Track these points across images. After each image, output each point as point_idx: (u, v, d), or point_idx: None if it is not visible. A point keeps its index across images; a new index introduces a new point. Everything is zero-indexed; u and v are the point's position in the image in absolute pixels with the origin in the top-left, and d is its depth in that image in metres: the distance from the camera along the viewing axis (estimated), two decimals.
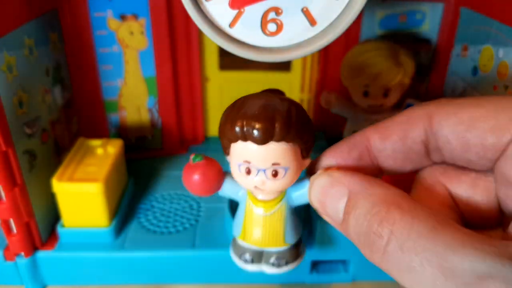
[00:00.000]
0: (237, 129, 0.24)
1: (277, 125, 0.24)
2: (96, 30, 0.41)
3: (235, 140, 0.25)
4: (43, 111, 0.36)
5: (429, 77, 0.45)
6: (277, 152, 0.24)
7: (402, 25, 0.43)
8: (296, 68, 0.47)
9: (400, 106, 0.40)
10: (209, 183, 0.27)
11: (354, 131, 0.40)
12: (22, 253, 0.33)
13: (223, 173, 0.28)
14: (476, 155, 0.18)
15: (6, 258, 0.34)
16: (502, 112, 0.18)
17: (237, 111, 0.24)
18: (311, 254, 0.35)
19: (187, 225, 0.37)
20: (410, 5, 0.42)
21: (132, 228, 0.37)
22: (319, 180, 0.20)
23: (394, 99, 0.38)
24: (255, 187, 0.26)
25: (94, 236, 0.35)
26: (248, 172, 0.26)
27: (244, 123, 0.24)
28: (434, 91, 0.45)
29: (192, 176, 0.27)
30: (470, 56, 0.39)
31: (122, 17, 0.41)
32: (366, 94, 0.38)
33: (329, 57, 0.45)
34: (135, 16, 0.41)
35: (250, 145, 0.24)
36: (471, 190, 0.20)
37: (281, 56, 0.27)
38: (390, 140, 0.20)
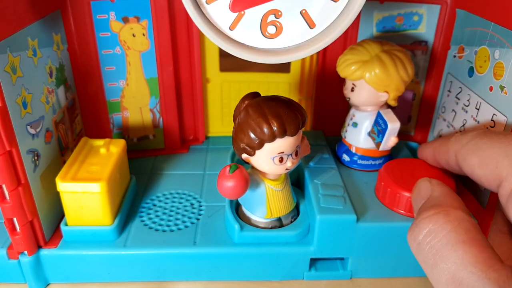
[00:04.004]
0: (276, 130, 0.30)
1: (300, 117, 0.31)
2: (99, 31, 0.41)
3: (273, 140, 0.30)
4: (47, 111, 0.36)
5: (426, 77, 0.46)
6: (298, 136, 0.32)
7: (399, 26, 0.43)
8: (295, 69, 0.47)
9: (396, 107, 0.40)
10: (243, 189, 0.32)
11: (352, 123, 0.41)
12: (26, 252, 0.34)
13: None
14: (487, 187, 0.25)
15: (9, 256, 0.34)
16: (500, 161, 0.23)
17: (269, 118, 0.30)
18: (310, 251, 0.35)
19: (188, 224, 0.37)
20: (407, 7, 0.42)
21: (135, 227, 0.37)
22: (421, 184, 0.28)
23: (391, 99, 0.38)
24: (286, 169, 0.32)
25: (97, 234, 0.35)
26: (281, 160, 0.32)
27: (283, 124, 0.30)
28: (431, 92, 0.46)
29: (229, 185, 0.31)
30: (466, 57, 0.39)
31: (124, 19, 0.41)
32: None
33: (327, 58, 0.45)
34: (137, 18, 0.41)
35: (286, 139, 0.31)
36: None
37: (281, 58, 0.27)
38: (440, 162, 0.32)
